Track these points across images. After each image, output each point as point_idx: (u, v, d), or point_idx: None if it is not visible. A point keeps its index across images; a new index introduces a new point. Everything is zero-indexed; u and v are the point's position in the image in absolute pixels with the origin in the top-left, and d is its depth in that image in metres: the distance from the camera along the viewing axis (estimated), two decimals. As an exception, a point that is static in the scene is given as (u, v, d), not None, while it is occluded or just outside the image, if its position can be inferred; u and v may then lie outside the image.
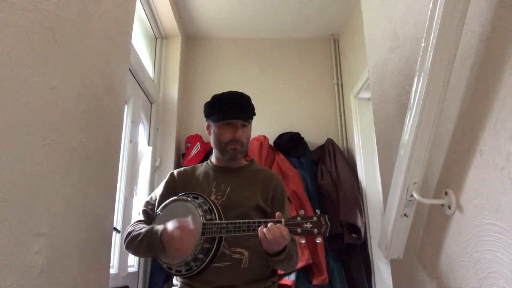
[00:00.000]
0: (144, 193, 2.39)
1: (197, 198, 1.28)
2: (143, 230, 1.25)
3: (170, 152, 2.66)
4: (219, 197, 1.35)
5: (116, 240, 1.89)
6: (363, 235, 2.39)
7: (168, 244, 1.18)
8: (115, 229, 1.81)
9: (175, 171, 1.49)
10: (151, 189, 2.50)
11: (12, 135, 0.78)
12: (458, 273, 1.02)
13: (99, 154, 1.21)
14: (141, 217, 1.38)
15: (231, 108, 1.38)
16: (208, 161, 1.51)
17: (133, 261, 2.26)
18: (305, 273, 2.31)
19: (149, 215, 1.39)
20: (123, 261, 1.95)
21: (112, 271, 1.84)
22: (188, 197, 1.29)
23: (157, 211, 1.34)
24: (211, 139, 1.44)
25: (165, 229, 1.20)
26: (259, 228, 1.13)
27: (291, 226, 1.11)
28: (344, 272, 2.44)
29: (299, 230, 1.10)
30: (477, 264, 0.94)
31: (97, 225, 1.21)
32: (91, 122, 1.15)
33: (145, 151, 2.42)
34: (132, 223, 1.38)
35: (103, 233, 1.27)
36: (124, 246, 1.31)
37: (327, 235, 1.10)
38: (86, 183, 1.12)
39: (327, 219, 1.11)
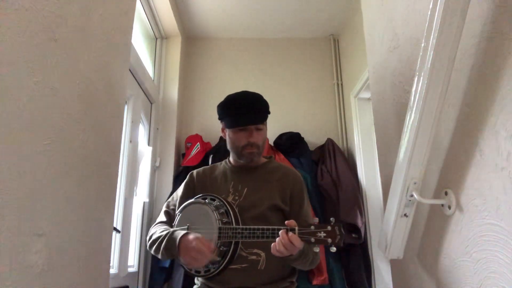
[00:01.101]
0: (144, 193, 2.39)
1: (214, 200, 1.29)
2: (163, 233, 1.28)
3: (170, 152, 2.66)
4: (236, 198, 1.35)
5: (116, 240, 1.89)
6: (363, 235, 2.39)
7: (185, 254, 1.20)
8: (115, 229, 1.81)
9: (194, 172, 1.50)
10: (151, 189, 2.50)
11: (12, 135, 0.78)
12: (458, 273, 1.02)
13: (99, 154, 1.21)
14: (163, 218, 1.42)
15: (244, 114, 1.35)
16: (227, 160, 1.51)
17: (133, 261, 2.26)
18: (305, 273, 2.31)
19: (171, 215, 1.42)
20: (123, 261, 1.95)
21: (112, 271, 1.84)
22: (206, 199, 1.30)
23: (177, 212, 1.36)
24: (227, 142, 1.44)
25: (183, 238, 1.21)
26: (271, 246, 1.12)
27: (304, 235, 1.09)
28: (344, 272, 2.44)
29: (312, 239, 1.09)
30: (477, 264, 0.94)
31: (97, 225, 1.21)
32: (91, 122, 1.15)
33: (145, 151, 2.42)
34: (154, 224, 1.41)
35: (103, 233, 1.27)
36: (148, 248, 1.35)
37: (342, 245, 1.08)
38: (86, 183, 1.12)
39: (342, 228, 1.09)
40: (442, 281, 1.10)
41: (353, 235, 2.38)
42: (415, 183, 1.05)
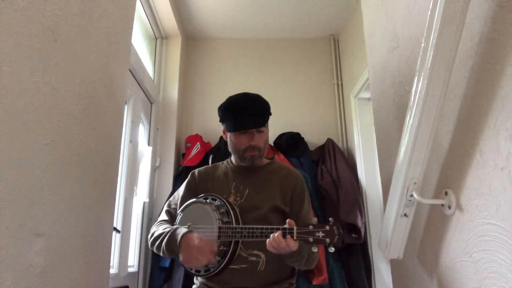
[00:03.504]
0: (144, 193, 2.39)
1: (215, 200, 1.30)
2: (165, 231, 1.29)
3: (170, 152, 2.66)
4: (238, 199, 1.35)
5: (116, 240, 1.89)
6: (363, 235, 2.39)
7: (185, 251, 1.20)
8: (115, 229, 1.81)
9: (196, 171, 1.50)
10: (151, 189, 2.50)
11: (12, 135, 0.78)
12: (458, 273, 1.02)
13: (99, 154, 1.21)
14: (165, 217, 1.42)
15: (245, 118, 1.34)
16: (229, 160, 1.51)
17: (133, 261, 2.26)
18: (305, 273, 2.31)
19: (172, 214, 1.42)
20: (123, 261, 1.95)
21: (112, 271, 1.84)
22: (207, 199, 1.31)
23: (178, 212, 1.37)
24: (228, 144, 1.43)
25: (185, 237, 1.21)
26: (267, 242, 1.13)
27: (302, 235, 1.10)
28: (344, 272, 2.44)
29: (310, 239, 1.09)
30: (477, 264, 0.94)
31: (97, 225, 1.21)
32: (91, 122, 1.15)
33: (145, 151, 2.41)
34: (156, 222, 1.42)
35: (103, 233, 1.27)
36: (149, 245, 1.36)
37: (340, 245, 1.09)
38: (86, 183, 1.12)
39: (340, 228, 1.09)
40: (442, 281, 1.10)
41: (353, 235, 2.38)
42: (415, 183, 1.05)
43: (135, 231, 2.25)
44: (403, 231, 1.13)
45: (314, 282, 2.26)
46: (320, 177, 2.60)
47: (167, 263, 2.29)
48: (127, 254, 2.02)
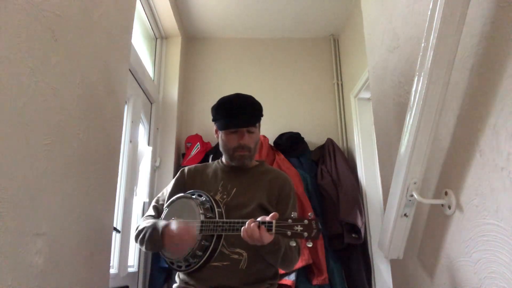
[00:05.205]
0: (144, 193, 2.39)
1: (201, 196, 1.31)
2: (147, 225, 1.31)
3: (170, 152, 2.66)
4: (225, 197, 1.36)
5: (116, 240, 1.89)
6: (363, 235, 2.39)
7: (168, 241, 1.23)
8: (115, 229, 1.81)
9: (186, 168, 1.51)
10: (151, 189, 2.50)
11: (12, 135, 0.78)
12: (458, 273, 1.02)
13: (99, 154, 1.21)
14: (151, 212, 1.44)
15: (236, 116, 1.35)
16: (220, 159, 1.52)
17: (133, 261, 2.26)
18: (305, 273, 2.31)
19: (159, 210, 1.44)
20: (123, 261, 1.95)
21: (112, 271, 1.84)
22: (193, 195, 1.32)
23: (164, 207, 1.38)
24: (219, 144, 1.44)
25: (166, 227, 1.25)
26: (241, 229, 1.13)
27: (281, 228, 1.09)
28: (344, 272, 2.44)
29: (289, 232, 1.08)
30: (477, 264, 0.94)
31: (97, 225, 1.21)
32: (91, 122, 1.15)
33: (145, 151, 2.41)
34: (143, 217, 1.43)
35: (103, 233, 1.27)
36: (134, 239, 1.37)
37: (317, 238, 1.09)
38: (86, 183, 1.12)
39: (318, 223, 1.09)
40: (442, 281, 1.10)
41: (353, 235, 2.38)
42: (415, 183, 1.05)
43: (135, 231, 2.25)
44: (403, 231, 1.13)
45: (314, 282, 2.26)
46: (320, 177, 2.60)
47: (167, 263, 2.29)
48: (127, 254, 2.02)
